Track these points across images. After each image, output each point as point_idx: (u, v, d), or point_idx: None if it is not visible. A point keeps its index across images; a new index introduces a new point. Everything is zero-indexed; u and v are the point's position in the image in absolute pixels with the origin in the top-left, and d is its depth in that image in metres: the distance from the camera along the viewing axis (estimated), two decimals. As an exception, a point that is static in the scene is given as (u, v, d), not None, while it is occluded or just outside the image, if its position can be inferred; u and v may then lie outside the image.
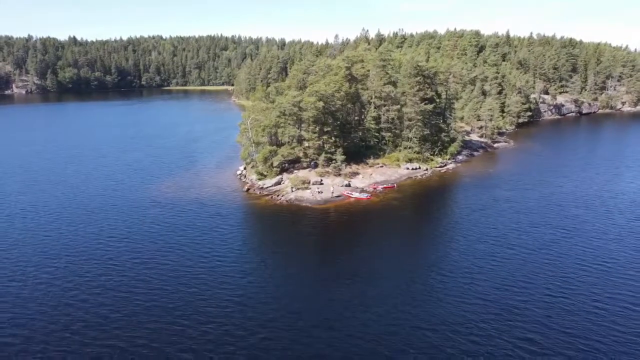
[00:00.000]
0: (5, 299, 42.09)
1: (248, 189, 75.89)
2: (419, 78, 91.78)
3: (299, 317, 39.14)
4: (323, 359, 33.91)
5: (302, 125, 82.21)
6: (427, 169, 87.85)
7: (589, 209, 66.60)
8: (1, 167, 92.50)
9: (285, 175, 78.64)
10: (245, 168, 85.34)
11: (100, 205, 68.35)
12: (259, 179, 78.24)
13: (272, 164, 78.73)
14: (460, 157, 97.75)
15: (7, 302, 41.57)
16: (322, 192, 72.14)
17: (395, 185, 78.87)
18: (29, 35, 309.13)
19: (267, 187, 75.29)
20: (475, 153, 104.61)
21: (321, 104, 78.62)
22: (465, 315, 39.27)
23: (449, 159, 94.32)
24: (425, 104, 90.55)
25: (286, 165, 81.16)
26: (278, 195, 72.39)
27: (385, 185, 77.80)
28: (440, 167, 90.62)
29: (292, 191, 72.77)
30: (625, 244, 54.22)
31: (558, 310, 40.17)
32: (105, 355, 34.21)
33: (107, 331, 37.11)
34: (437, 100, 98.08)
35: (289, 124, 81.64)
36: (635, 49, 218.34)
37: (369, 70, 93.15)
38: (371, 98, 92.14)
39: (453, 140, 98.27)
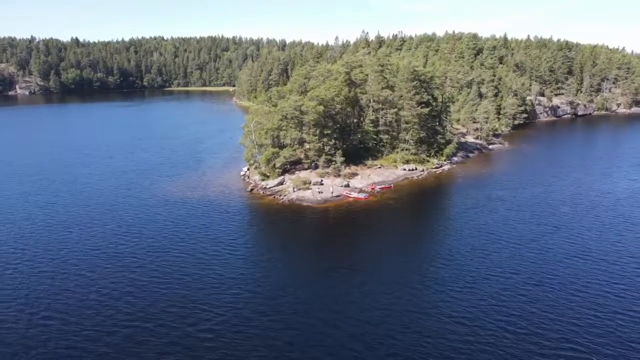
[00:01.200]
0: (40, 288, 46.15)
1: (252, 189, 79.46)
2: (415, 82, 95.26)
3: (303, 303, 42.99)
4: (326, 338, 37.56)
5: (303, 128, 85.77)
6: (423, 170, 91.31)
7: (576, 207, 70.25)
8: (15, 167, 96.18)
9: (287, 176, 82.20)
10: (248, 169, 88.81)
11: (115, 204, 72.02)
12: (262, 180, 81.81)
13: (274, 165, 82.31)
14: (455, 159, 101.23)
15: (43, 290, 45.77)
16: (322, 192, 75.70)
17: (392, 185, 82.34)
18: (31, 36, 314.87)
19: (270, 187, 78.84)
20: (470, 154, 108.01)
21: (321, 107, 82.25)
22: (455, 301, 43.14)
23: (445, 160, 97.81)
24: (421, 107, 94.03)
25: (288, 166, 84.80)
26: (280, 195, 75.91)
27: (382, 186, 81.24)
28: (436, 168, 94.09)
29: (294, 191, 76.29)
30: (606, 238, 58.21)
31: (540, 296, 44.05)
32: (131, 334, 38.10)
33: (131, 313, 41.37)
34: (433, 103, 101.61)
35: (290, 127, 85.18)
36: (632, 51, 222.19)
37: (367, 75, 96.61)
38: (369, 102, 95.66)
39: (449, 142, 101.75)
